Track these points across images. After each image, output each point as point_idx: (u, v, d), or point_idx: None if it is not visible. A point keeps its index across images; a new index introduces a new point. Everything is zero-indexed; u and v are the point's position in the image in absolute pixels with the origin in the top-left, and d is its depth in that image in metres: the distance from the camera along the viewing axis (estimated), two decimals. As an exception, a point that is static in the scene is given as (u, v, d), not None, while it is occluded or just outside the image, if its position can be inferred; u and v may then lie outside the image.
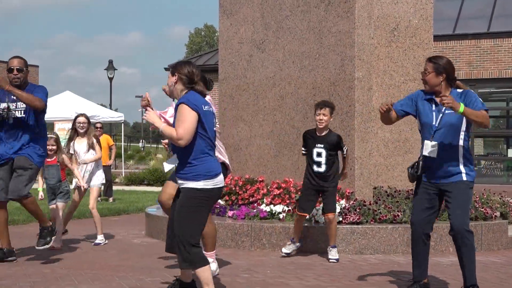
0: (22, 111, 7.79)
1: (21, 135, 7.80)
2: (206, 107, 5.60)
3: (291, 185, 9.56)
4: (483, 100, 6.12)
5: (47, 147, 9.03)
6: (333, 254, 8.13)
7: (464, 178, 5.98)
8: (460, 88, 6.14)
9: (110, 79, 40.10)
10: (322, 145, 8.07)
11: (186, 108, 5.46)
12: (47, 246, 7.85)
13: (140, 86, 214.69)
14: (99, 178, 9.59)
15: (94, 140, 9.45)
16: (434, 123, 6.05)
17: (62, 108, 27.21)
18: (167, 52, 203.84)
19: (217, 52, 31.41)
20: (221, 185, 5.65)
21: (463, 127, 5.99)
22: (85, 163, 9.44)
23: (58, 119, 27.13)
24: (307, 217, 8.36)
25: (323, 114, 8.03)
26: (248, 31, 10.65)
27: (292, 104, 10.11)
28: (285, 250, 8.38)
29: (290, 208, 9.26)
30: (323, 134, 8.12)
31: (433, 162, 6.02)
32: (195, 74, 5.71)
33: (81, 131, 9.46)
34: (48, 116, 31.48)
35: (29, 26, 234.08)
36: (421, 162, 6.10)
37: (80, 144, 9.45)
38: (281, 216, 9.18)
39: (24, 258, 8.20)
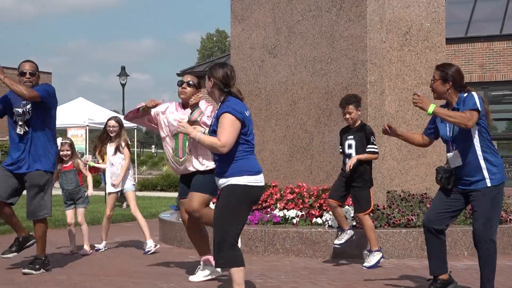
0: (30, 114, 7.62)
1: (33, 141, 7.62)
2: (247, 112, 5.72)
3: (305, 190, 9.56)
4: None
5: (62, 152, 9.07)
6: (369, 260, 7.95)
7: (488, 184, 5.89)
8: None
9: (123, 85, 40.22)
10: (352, 136, 8.07)
11: (231, 118, 5.58)
12: (33, 273, 7.55)
13: (153, 92, 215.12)
14: (131, 180, 9.57)
15: (122, 143, 9.39)
16: (448, 134, 6.04)
17: (75, 115, 27.33)
18: (179, 57, 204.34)
19: (229, 57, 31.46)
20: (262, 184, 5.69)
21: (474, 131, 5.90)
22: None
23: (71, 126, 27.26)
24: (338, 204, 8.10)
25: (348, 113, 8.06)
26: (260, 36, 10.66)
27: (304, 109, 10.11)
28: (337, 241, 8.17)
29: (303, 213, 9.25)
30: (355, 126, 8.12)
31: (457, 170, 6.01)
32: (230, 78, 5.80)
33: (112, 134, 9.45)
34: (61, 123, 31.56)
35: (42, 33, 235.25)
36: (453, 177, 6.05)
37: (110, 147, 9.45)
38: (294, 221, 9.18)
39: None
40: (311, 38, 10.08)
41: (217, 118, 5.66)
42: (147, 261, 8.48)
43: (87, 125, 26.97)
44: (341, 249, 8.41)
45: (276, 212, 9.43)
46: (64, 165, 9.15)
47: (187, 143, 7.16)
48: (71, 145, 9.28)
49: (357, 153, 8.00)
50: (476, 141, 5.93)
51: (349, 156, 8.05)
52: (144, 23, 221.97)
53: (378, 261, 7.95)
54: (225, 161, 5.63)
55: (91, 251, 9.25)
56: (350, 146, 8.08)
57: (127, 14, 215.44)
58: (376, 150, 8.07)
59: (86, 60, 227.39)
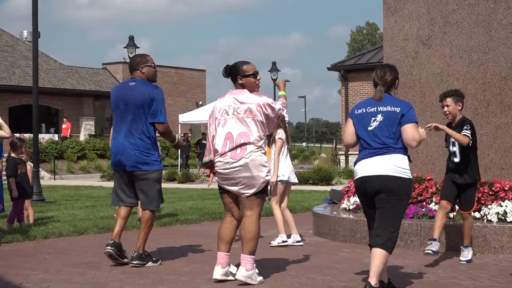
0: None
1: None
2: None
3: (461, 184, 9.31)
4: None
5: None
6: (464, 254, 7.86)
7: None
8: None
9: (274, 80, 40.76)
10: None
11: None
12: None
13: (302, 86, 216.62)
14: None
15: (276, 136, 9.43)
16: None
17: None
18: (328, 51, 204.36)
19: (379, 49, 31.12)
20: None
21: None
22: None
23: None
24: (451, 206, 7.90)
25: (446, 106, 7.89)
26: (414, 28, 10.48)
27: (460, 100, 9.84)
28: (430, 248, 7.62)
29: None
30: (456, 122, 7.92)
31: None
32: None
33: None
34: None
35: (195, 32, 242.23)
36: None
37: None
38: (451, 215, 8.97)
39: (198, 256, 8.51)
40: (467, 27, 9.80)
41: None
42: (302, 254, 8.54)
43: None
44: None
45: (432, 206, 9.25)
46: None
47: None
48: None
49: (460, 152, 7.79)
50: None
51: (454, 153, 7.84)
52: (292, 18, 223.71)
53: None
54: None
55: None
56: (454, 144, 7.85)
57: (275, 10, 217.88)
58: (466, 136, 7.68)
59: (237, 57, 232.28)
